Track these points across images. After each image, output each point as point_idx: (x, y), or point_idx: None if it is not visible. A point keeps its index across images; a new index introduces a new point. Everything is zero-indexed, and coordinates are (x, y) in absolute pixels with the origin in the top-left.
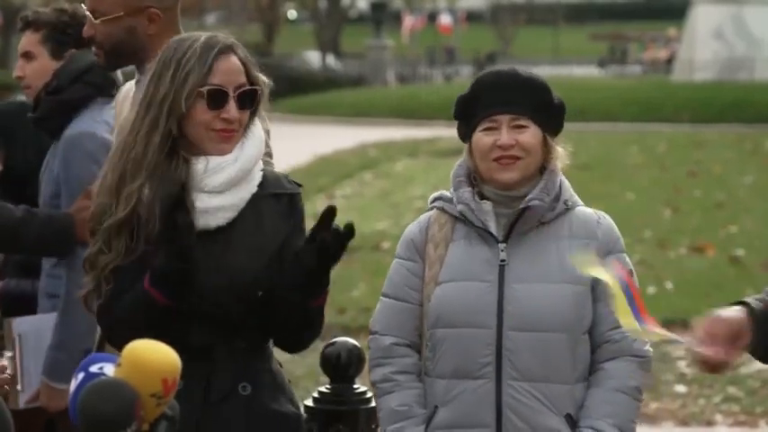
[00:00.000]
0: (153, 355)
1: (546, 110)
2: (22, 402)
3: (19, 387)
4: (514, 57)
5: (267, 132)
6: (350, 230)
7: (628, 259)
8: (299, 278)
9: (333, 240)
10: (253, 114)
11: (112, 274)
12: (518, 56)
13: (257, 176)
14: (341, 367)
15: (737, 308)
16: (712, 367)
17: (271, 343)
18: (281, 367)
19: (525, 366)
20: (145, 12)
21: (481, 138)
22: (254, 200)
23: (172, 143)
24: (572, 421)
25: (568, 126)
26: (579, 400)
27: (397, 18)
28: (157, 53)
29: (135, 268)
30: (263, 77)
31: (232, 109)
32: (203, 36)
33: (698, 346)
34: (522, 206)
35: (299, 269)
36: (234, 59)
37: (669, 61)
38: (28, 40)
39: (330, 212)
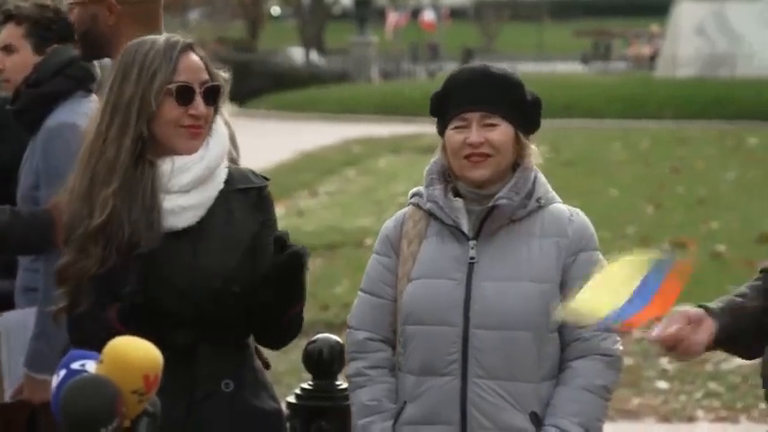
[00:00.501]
0: (134, 351)
1: (518, 107)
2: (7, 396)
3: (5, 382)
4: (498, 53)
5: (233, 140)
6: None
7: (600, 257)
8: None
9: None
10: (215, 112)
11: (91, 283)
12: (502, 52)
13: (223, 174)
14: (323, 364)
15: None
16: (675, 349)
17: (252, 340)
18: (263, 365)
19: (491, 364)
20: (104, 1)
21: (452, 135)
22: (223, 196)
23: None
24: (537, 419)
25: (552, 122)
26: (545, 398)
27: (380, 14)
28: (120, 48)
29: (104, 282)
30: (222, 74)
31: (200, 104)
32: (162, 36)
33: (657, 334)
34: (490, 204)
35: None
36: (195, 57)
37: (652, 58)
38: (9, 33)
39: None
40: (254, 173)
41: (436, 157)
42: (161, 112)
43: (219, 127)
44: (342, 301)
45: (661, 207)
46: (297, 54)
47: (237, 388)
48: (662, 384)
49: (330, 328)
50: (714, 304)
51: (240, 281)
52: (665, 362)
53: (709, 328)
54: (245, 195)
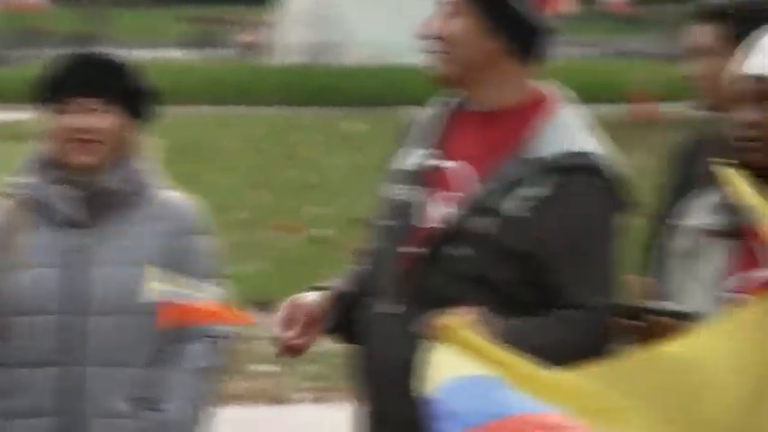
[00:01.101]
0: None
1: (127, 94)
2: None
3: None
4: (112, 39)
5: None
6: None
7: (210, 241)
8: None
9: None
10: None
11: None
12: (116, 38)
13: None
14: None
15: (319, 293)
16: (290, 350)
17: None
18: None
19: (101, 351)
20: None
21: (57, 121)
22: None
23: None
24: (144, 403)
25: (162, 110)
26: (153, 382)
27: None
28: None
29: None
30: None
31: None
32: None
33: (278, 330)
34: (95, 191)
35: None
36: None
37: (262, 45)
38: None
39: None
40: None
41: (40, 144)
42: None
43: None
44: None
45: (272, 193)
46: None
47: None
48: (265, 368)
49: None
50: (339, 286)
51: None
52: (267, 346)
53: (321, 324)
54: None
